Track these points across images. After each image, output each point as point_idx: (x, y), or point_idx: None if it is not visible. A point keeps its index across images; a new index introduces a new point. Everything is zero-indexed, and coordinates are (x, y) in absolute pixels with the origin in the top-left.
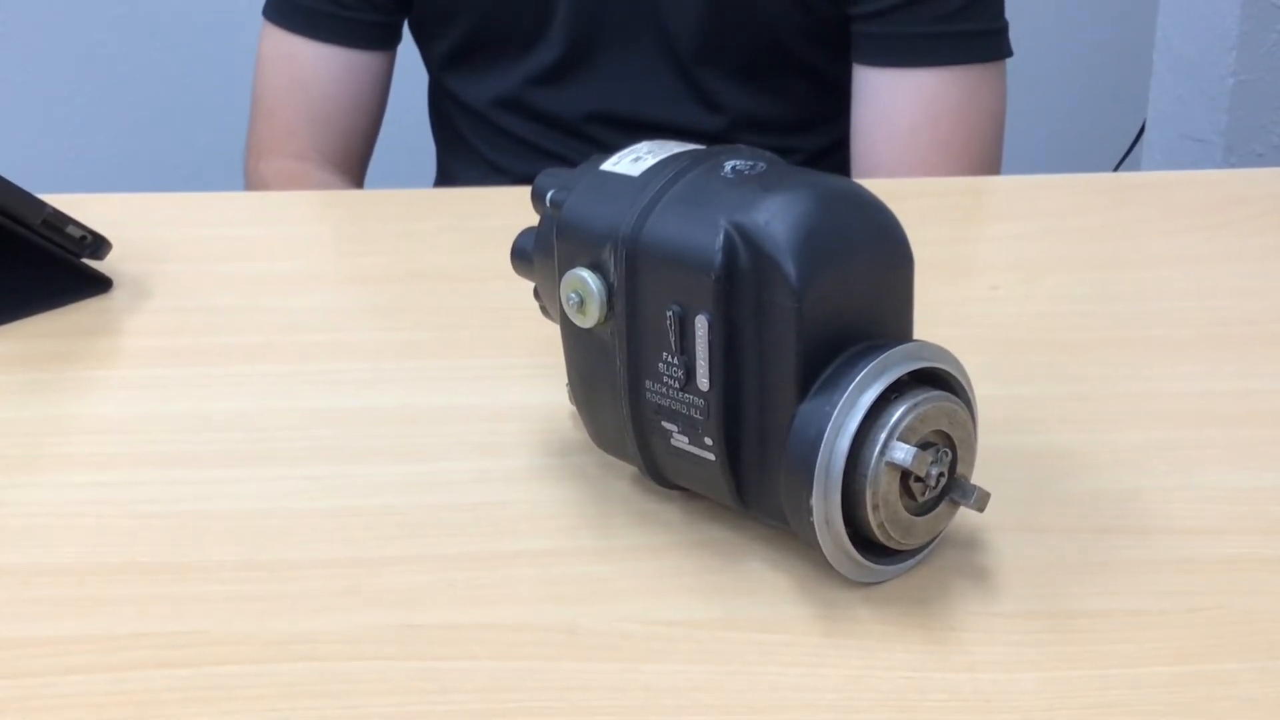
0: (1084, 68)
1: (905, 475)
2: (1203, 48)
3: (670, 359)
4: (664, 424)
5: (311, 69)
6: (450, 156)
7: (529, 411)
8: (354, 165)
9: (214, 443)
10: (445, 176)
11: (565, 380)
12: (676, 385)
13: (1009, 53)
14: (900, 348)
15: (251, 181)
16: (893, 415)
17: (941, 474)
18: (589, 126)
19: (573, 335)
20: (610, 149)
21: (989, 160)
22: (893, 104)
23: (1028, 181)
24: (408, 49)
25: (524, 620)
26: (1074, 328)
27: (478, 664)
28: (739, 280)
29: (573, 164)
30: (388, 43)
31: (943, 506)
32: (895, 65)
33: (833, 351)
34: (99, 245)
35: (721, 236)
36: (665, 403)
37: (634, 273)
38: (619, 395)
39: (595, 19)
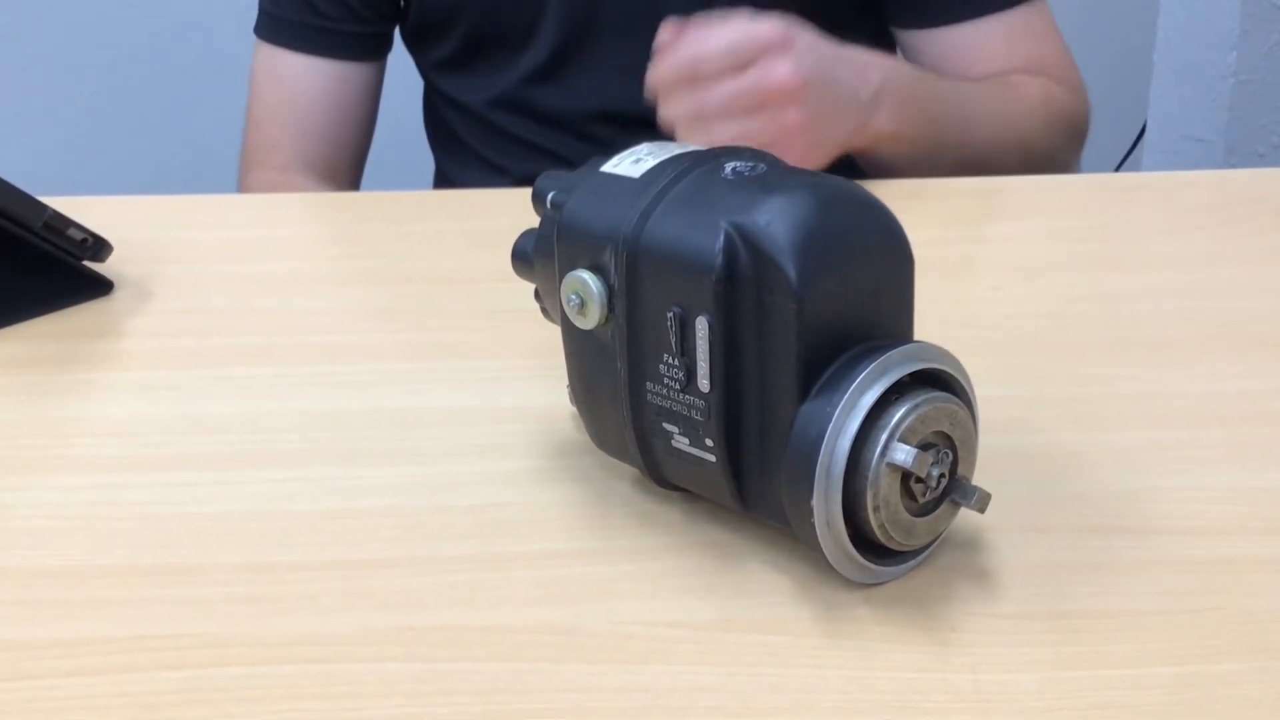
0: (1085, 68)
1: (906, 476)
2: (1203, 48)
3: (671, 360)
4: (665, 425)
5: (297, 82)
6: (448, 160)
7: (530, 413)
8: (342, 176)
9: (215, 444)
10: (444, 181)
11: (566, 382)
12: (677, 387)
13: None
14: (901, 349)
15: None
16: (893, 416)
17: (942, 475)
18: (586, 124)
19: (573, 337)
20: (609, 146)
21: (1074, 67)
22: (971, 54)
23: (1028, 182)
24: (404, 53)
25: (525, 622)
26: (1075, 328)
27: (478, 665)
28: (739, 282)
29: (572, 162)
30: (375, 53)
31: (944, 507)
32: (957, 20)
33: (833, 353)
34: (100, 248)
35: (722, 238)
36: (666, 404)
37: (635, 274)
38: (620, 397)
39: (587, 14)
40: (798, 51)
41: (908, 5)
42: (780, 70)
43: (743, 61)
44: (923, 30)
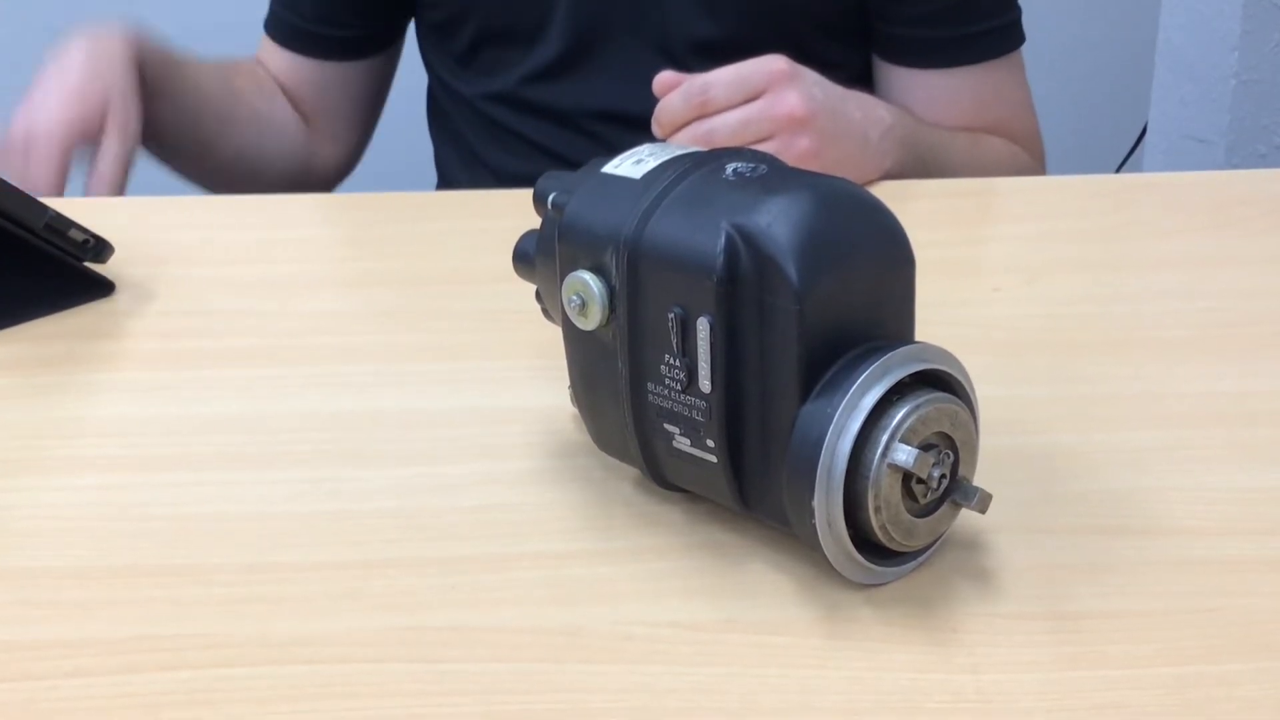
0: (1086, 69)
1: (907, 477)
2: (1205, 49)
3: (672, 361)
4: (666, 426)
5: (286, 74)
6: (451, 160)
7: (531, 414)
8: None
9: (216, 445)
10: (444, 179)
11: (567, 383)
12: (678, 387)
13: (1024, 39)
14: (902, 349)
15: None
16: (894, 417)
17: (943, 475)
18: (592, 124)
19: (575, 337)
20: (613, 145)
21: (1038, 134)
22: (936, 99)
23: (1029, 183)
24: (408, 55)
25: (527, 622)
26: (1075, 329)
27: (480, 666)
28: (741, 282)
29: (576, 162)
30: (349, 55)
31: (945, 508)
32: (933, 67)
33: (834, 353)
34: (101, 249)
35: (723, 239)
36: (667, 405)
37: (636, 275)
38: (621, 397)
39: (596, 14)
40: (806, 83)
41: (886, 39)
42: (790, 99)
43: (752, 91)
44: (898, 68)
